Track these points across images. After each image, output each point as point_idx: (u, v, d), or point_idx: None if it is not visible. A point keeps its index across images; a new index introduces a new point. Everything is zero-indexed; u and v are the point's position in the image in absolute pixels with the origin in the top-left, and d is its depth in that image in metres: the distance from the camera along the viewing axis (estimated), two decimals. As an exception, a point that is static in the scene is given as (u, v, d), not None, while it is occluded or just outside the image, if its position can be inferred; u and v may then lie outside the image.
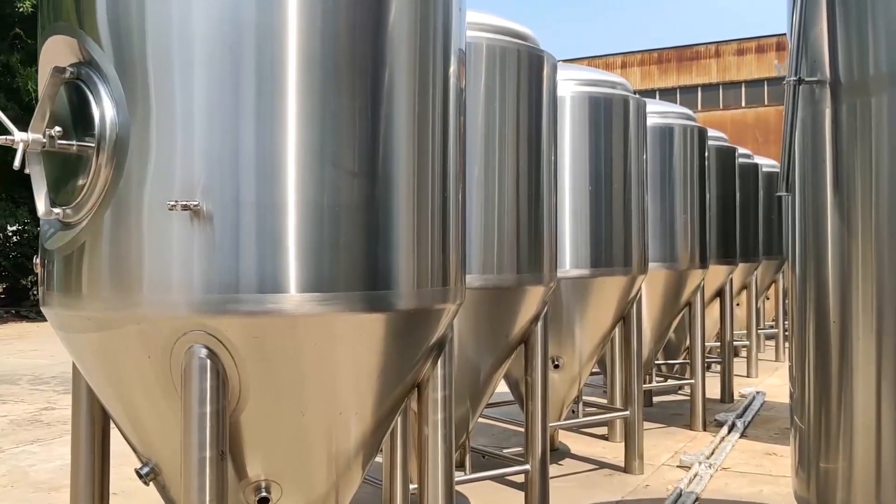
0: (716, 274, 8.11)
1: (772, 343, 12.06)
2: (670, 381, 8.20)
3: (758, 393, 8.64)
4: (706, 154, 7.34)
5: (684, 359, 8.57)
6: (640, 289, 5.90)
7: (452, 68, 2.85)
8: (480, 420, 6.31)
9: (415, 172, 2.68)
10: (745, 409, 7.80)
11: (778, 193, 2.92)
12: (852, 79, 2.66)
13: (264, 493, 2.55)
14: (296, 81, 2.45)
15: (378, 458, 3.05)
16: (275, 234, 2.42)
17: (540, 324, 4.45)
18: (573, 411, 6.09)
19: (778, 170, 11.87)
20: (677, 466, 5.89)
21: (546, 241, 4.40)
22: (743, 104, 39.49)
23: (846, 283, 2.96)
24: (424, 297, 2.72)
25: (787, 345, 12.84)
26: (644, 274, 5.84)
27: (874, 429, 3.04)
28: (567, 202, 5.43)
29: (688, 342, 8.23)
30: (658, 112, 6.92)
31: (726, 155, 8.50)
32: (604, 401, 7.01)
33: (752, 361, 10.17)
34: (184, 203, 2.25)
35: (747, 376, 10.05)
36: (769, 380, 9.97)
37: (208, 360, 2.31)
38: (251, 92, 2.39)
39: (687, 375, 8.13)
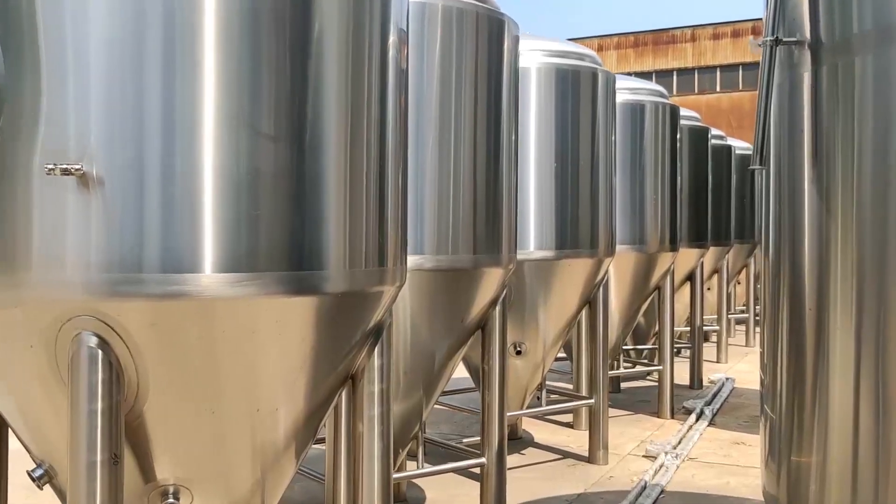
0: (687, 257, 7.90)
1: (742, 328, 11.92)
2: (638, 368, 7.99)
3: (727, 379, 8.47)
4: (678, 133, 7.09)
5: (653, 344, 8.37)
6: (607, 272, 5.66)
7: (392, 39, 2.55)
8: (444, 407, 6.06)
9: (347, 142, 2.39)
10: (714, 395, 7.62)
11: (751, 167, 2.66)
12: (834, 38, 2.39)
13: (171, 500, 2.26)
14: (212, 28, 2.14)
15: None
16: (183, 204, 2.12)
17: (498, 308, 4.19)
18: (538, 398, 5.85)
19: (752, 152, 11.66)
20: (643, 456, 5.67)
21: (505, 221, 4.13)
22: (718, 89, 39.47)
23: (824, 266, 2.72)
24: (358, 278, 2.43)
25: (757, 330, 12.71)
26: (611, 257, 5.59)
27: (851, 422, 2.82)
28: (532, 180, 5.15)
29: (657, 327, 8.04)
30: (629, 88, 6.65)
31: (699, 135, 8.27)
32: (569, 386, 6.79)
33: (722, 346, 10.01)
34: (64, 167, 1.93)
35: (717, 361, 9.89)
36: (739, 365, 9.82)
37: (99, 350, 2.01)
38: (157, 36, 2.08)
39: (655, 361, 7.93)
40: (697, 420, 6.66)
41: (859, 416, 2.77)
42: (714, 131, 9.33)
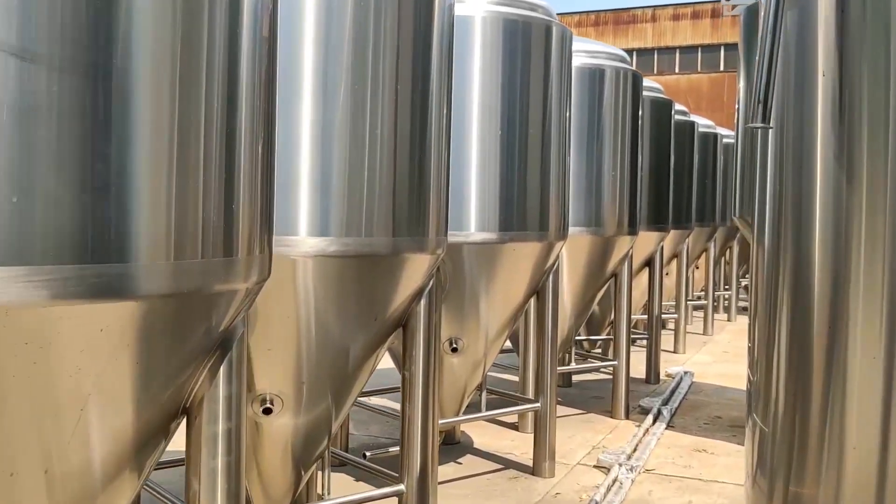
0: (645, 241, 7.25)
1: (700, 314, 11.38)
2: (591, 362, 7.34)
3: (686, 373, 7.88)
4: (640, 103, 6.41)
5: (608, 335, 7.74)
6: (558, 258, 4.96)
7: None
8: (366, 409, 5.33)
9: (171, 80, 1.62)
10: (672, 392, 7.01)
11: (751, 125, 1.96)
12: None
13: None
14: None
15: None
16: None
17: (424, 302, 3.45)
18: (479, 396, 5.14)
19: (715, 131, 11.17)
20: (594, 467, 5.02)
21: (434, 197, 3.38)
22: (677, 70, 39.20)
23: (841, 251, 2.05)
24: (189, 274, 1.67)
25: (717, 317, 12.20)
26: (563, 240, 4.89)
27: (877, 445, 2.18)
28: (474, 149, 4.41)
29: (612, 315, 7.41)
30: (587, 51, 5.93)
31: (662, 108, 7.60)
32: (514, 378, 6.11)
33: (681, 336, 9.44)
34: None
35: (674, 352, 9.32)
36: (697, 356, 9.26)
37: None
38: None
39: (609, 354, 7.30)
40: (655, 422, 6.03)
41: (889, 439, 2.14)
42: (677, 106, 8.69)
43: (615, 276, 6.38)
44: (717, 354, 9.37)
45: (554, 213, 4.71)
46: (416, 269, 3.36)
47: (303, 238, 3.00)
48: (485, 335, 4.88)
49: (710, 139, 10.39)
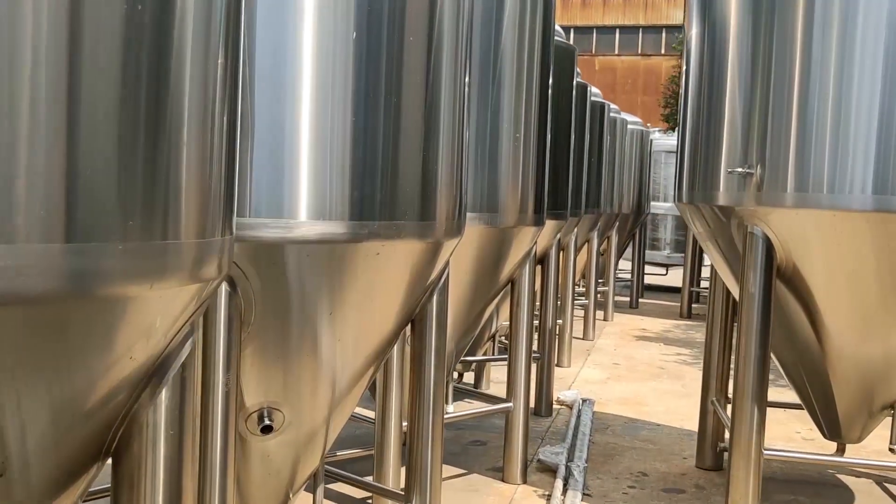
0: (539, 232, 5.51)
1: (580, 315, 9.86)
2: (468, 401, 5.49)
3: (584, 401, 6.23)
4: (551, 44, 4.62)
5: (490, 354, 5.97)
6: (447, 264, 3.07)
7: None
8: None
9: None
10: (575, 434, 5.32)
11: None
12: None
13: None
14: None
15: None
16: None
17: (185, 351, 1.46)
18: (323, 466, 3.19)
19: (601, 100, 9.62)
20: (496, 593, 3.20)
21: (198, 162, 1.40)
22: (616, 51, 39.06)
23: None
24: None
25: (600, 318, 10.74)
26: (458, 236, 3.00)
27: None
28: (305, 90, 2.41)
29: (492, 328, 5.64)
30: (485, -45, 4.05)
31: (563, 59, 5.87)
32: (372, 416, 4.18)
33: (566, 345, 7.84)
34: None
35: (559, 365, 7.71)
36: (586, 370, 7.69)
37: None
38: None
39: (484, 387, 5.53)
40: (565, 488, 4.30)
41: None
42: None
43: (512, 283, 4.58)
44: (607, 367, 7.84)
45: (445, 194, 2.81)
46: (158, 301, 1.35)
47: None
48: (328, 391, 2.92)
49: (598, 109, 8.84)
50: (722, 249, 4.24)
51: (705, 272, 13.24)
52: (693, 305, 11.76)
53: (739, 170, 3.67)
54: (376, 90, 2.49)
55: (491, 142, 4.08)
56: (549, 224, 5.67)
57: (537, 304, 6.16)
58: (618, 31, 39.69)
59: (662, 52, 38.88)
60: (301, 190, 2.39)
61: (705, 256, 14.82)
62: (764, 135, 3.68)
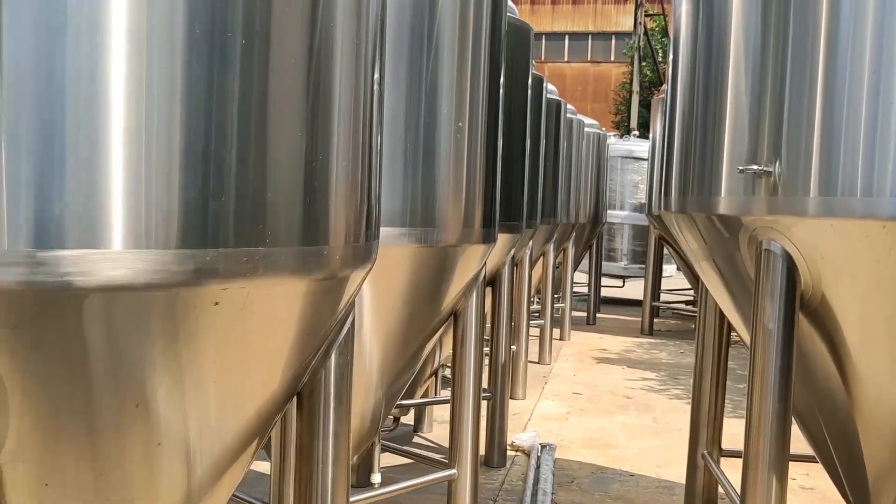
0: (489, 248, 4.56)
1: (535, 335, 8.90)
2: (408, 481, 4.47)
3: (543, 447, 5.29)
4: (503, 14, 3.69)
5: (433, 391, 5.02)
6: (351, 305, 2.08)
7: None
8: None
9: None
10: (534, 494, 4.36)
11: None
12: None
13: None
14: None
15: None
16: None
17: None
18: None
19: (557, 98, 8.64)
20: None
21: None
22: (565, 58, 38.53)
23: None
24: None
25: (557, 338, 9.75)
26: (366, 267, 2.01)
27: None
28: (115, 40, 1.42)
29: (432, 366, 4.69)
30: None
31: (519, 39, 4.95)
32: None
33: (520, 374, 6.90)
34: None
35: (512, 397, 6.77)
36: (544, 404, 6.76)
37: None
38: None
39: (429, 429, 4.52)
40: (525, 582, 3.34)
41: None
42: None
43: (455, 316, 3.61)
44: (567, 398, 6.92)
45: (344, 206, 1.82)
46: None
47: None
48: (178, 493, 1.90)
49: (554, 107, 7.95)
50: (721, 271, 3.34)
51: (665, 284, 12.45)
52: (654, 320, 10.97)
53: (753, 167, 2.76)
54: (220, 35, 1.50)
55: (426, 133, 3.11)
56: (502, 238, 4.73)
57: (488, 327, 5.21)
58: (567, 37, 39.38)
59: (612, 59, 38.67)
60: (113, 207, 1.37)
61: (665, 268, 14.05)
62: (779, 124, 2.79)
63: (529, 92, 5.31)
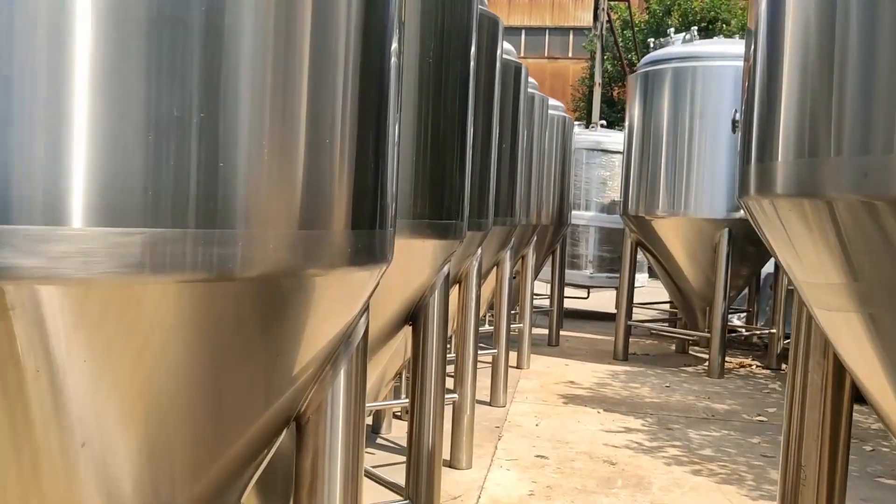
0: (446, 248, 2.76)
1: (486, 362, 7.08)
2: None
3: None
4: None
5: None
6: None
7: None
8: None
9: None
10: None
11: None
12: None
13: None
14: None
15: None
16: None
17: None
18: None
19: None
20: None
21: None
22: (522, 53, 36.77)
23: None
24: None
25: (511, 360, 7.53)
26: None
27: None
28: None
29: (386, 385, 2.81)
30: None
31: (487, 24, 3.11)
32: None
33: (464, 431, 5.04)
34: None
35: (452, 466, 4.94)
36: (496, 475, 4.93)
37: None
38: None
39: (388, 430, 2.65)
40: None
41: None
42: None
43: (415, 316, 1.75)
44: (528, 465, 5.10)
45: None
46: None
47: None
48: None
49: (512, 73, 6.14)
50: (868, 297, 1.56)
51: (639, 296, 10.67)
52: (629, 339, 9.20)
53: None
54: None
55: (376, 116, 1.27)
56: (428, 247, 2.91)
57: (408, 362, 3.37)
58: (524, 32, 37.81)
59: (570, 54, 37.22)
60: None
61: (638, 278, 12.29)
62: None
63: (474, 48, 3.47)
